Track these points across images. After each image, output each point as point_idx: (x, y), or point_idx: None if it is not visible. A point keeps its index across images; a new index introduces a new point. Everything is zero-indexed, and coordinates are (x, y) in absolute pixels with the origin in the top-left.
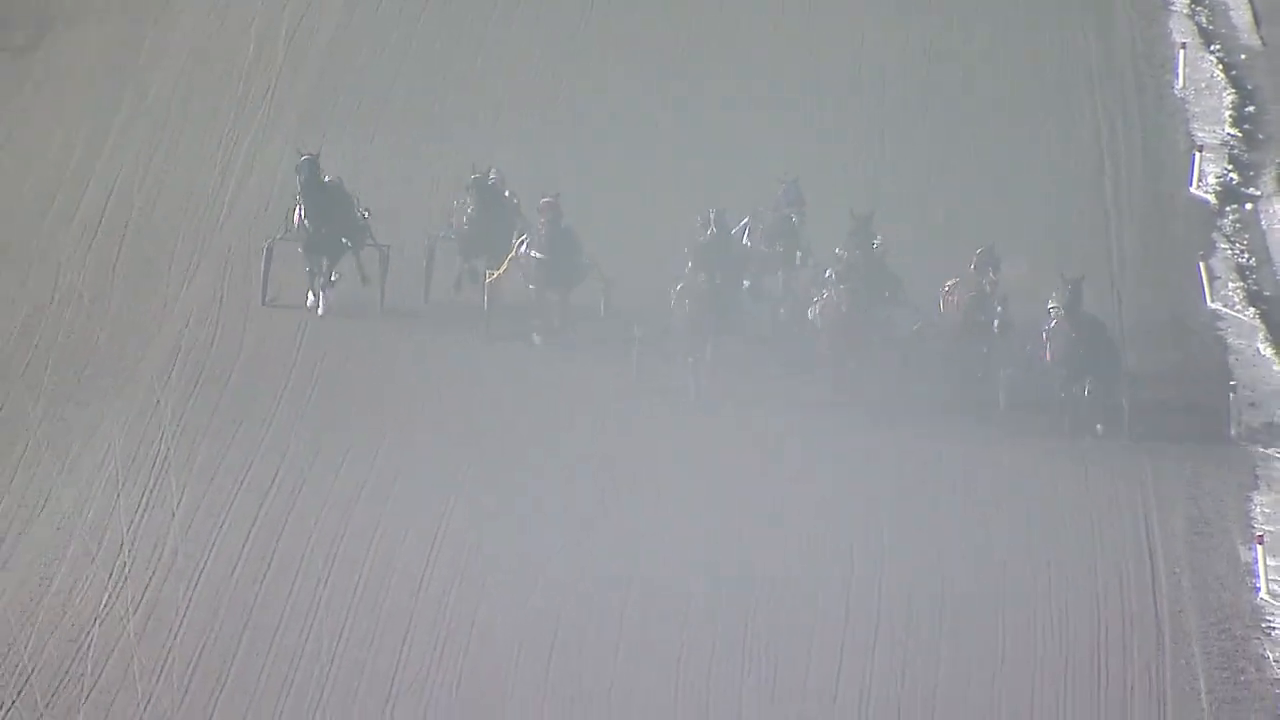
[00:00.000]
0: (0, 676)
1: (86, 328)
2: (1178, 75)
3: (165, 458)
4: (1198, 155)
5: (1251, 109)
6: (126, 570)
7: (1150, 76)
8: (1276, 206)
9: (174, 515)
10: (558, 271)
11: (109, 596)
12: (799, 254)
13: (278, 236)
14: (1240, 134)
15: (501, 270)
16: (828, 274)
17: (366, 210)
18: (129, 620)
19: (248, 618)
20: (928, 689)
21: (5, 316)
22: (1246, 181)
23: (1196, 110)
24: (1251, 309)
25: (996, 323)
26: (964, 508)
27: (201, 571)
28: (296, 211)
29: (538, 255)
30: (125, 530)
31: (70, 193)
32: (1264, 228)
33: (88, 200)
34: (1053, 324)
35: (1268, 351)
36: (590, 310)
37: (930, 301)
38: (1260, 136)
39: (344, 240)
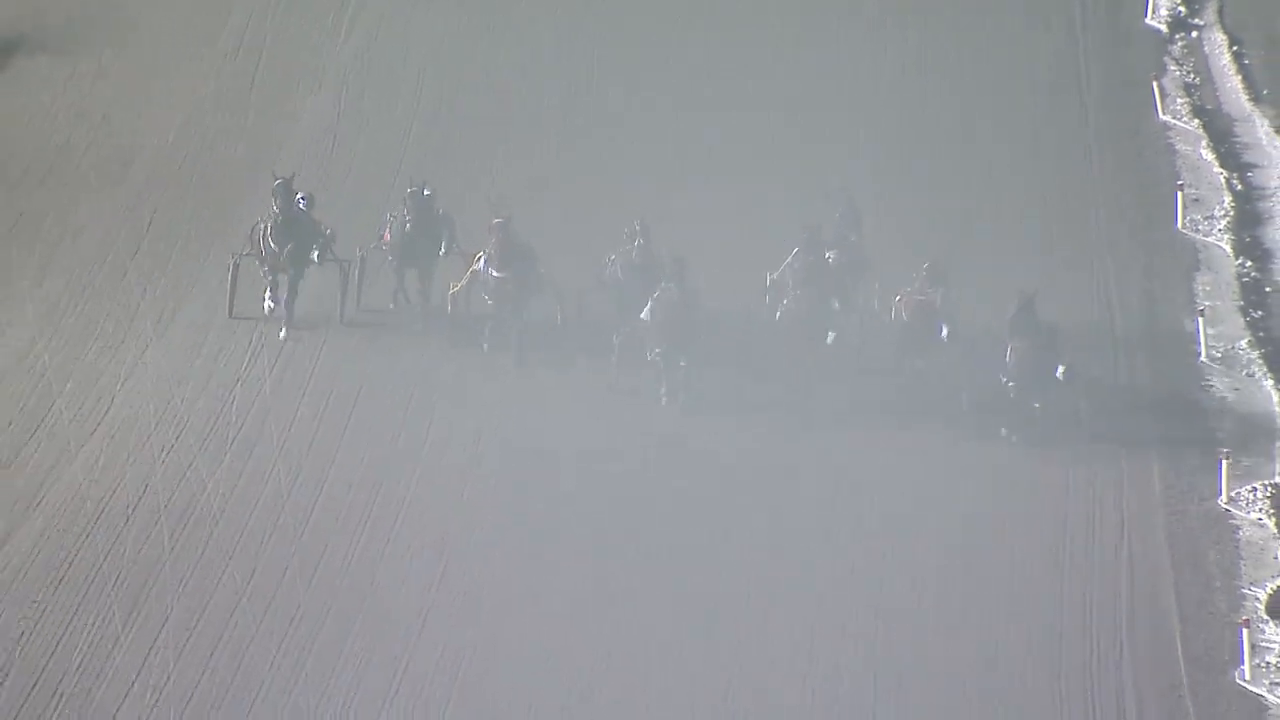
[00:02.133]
0: (162, 426)
1: (227, 139)
2: None
3: None
4: None
5: None
6: (262, 341)
7: None
8: (1217, 35)
9: (298, 300)
10: (514, 287)
11: (248, 362)
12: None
13: (244, 253)
14: None
15: (462, 284)
16: (789, 283)
17: (329, 230)
18: (265, 381)
19: (361, 382)
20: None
21: (159, 128)
22: (1193, 13)
23: None
24: (1195, 120)
25: (945, 331)
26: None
27: (323, 345)
28: (262, 229)
29: (495, 273)
30: (259, 311)
31: (211, 21)
32: (1206, 53)
33: (228, 28)
34: (1009, 333)
35: (1208, 155)
36: (548, 322)
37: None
38: None
39: (307, 255)
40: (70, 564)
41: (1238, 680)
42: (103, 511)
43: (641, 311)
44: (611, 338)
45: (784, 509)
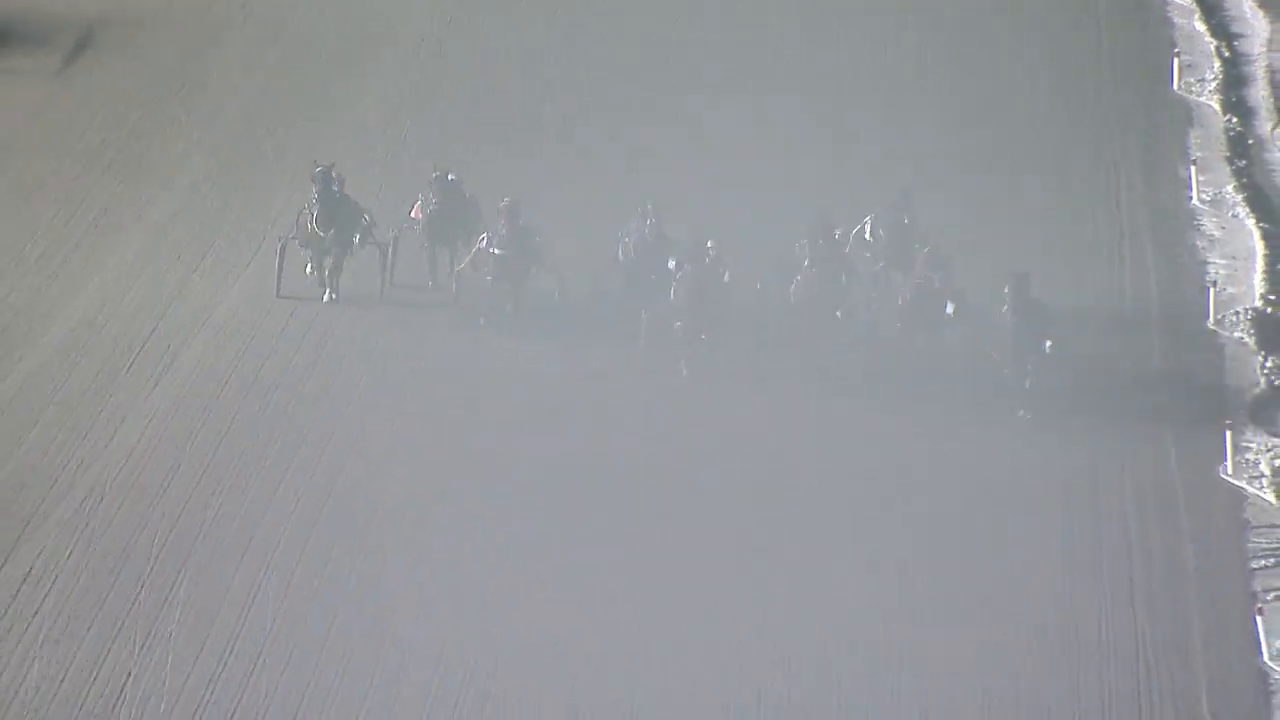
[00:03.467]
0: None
1: (359, 16)
2: None
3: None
4: None
5: None
6: (391, 191)
7: None
8: None
9: (379, 196)
10: (513, 265)
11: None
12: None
13: (290, 236)
14: None
15: (467, 262)
16: (805, 261)
17: (367, 215)
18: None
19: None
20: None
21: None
22: None
23: None
24: None
25: (952, 309)
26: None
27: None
28: (308, 215)
29: (496, 251)
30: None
31: None
32: None
33: None
34: (1003, 311)
35: (1201, 26)
36: (548, 300)
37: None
38: None
39: (350, 240)
40: (224, 387)
41: (1222, 475)
42: (247, 348)
43: (659, 290)
44: (626, 315)
45: (783, 498)
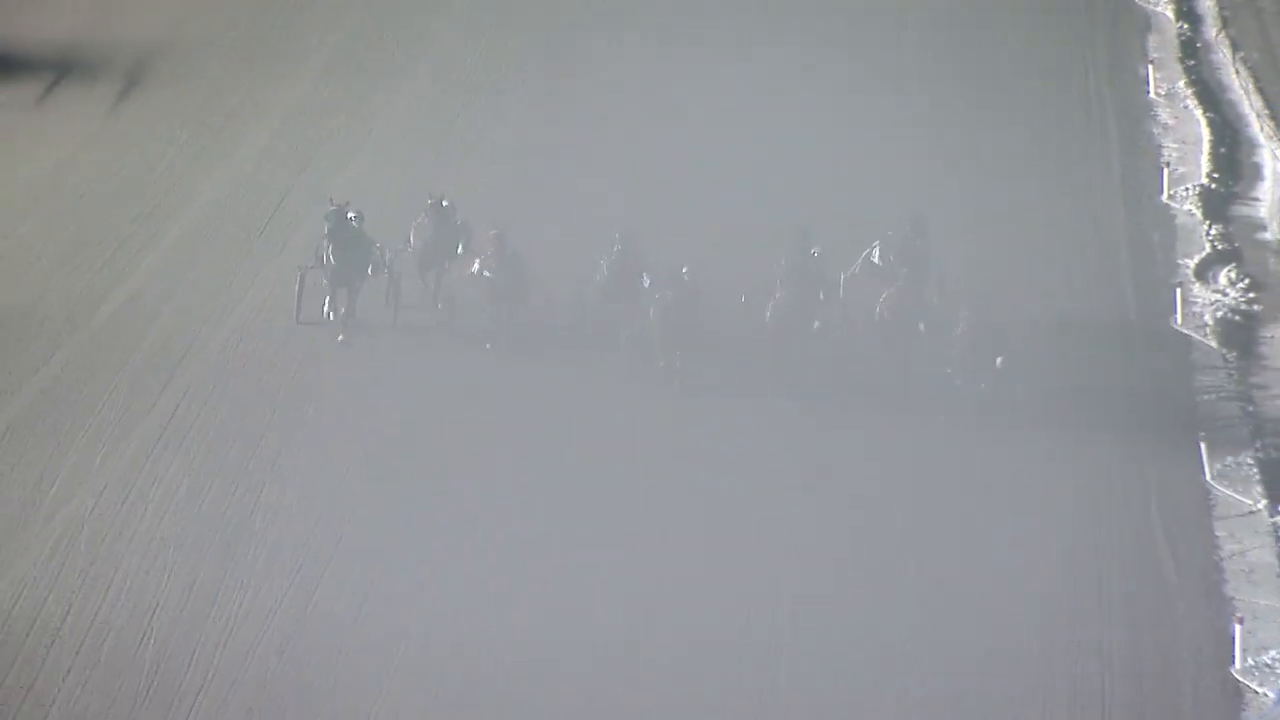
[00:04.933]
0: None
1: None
2: None
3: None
4: None
5: None
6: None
7: None
8: None
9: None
10: (503, 289)
11: (457, 116)
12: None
13: (309, 266)
14: None
15: (458, 282)
16: (779, 280)
17: (379, 247)
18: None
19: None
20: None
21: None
22: None
23: None
24: None
25: (923, 326)
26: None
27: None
28: (325, 248)
29: (487, 275)
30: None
31: None
32: None
33: None
34: (960, 329)
35: None
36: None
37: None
38: None
39: (363, 271)
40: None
41: (1172, 325)
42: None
43: (637, 306)
44: (610, 330)
45: (782, 499)
